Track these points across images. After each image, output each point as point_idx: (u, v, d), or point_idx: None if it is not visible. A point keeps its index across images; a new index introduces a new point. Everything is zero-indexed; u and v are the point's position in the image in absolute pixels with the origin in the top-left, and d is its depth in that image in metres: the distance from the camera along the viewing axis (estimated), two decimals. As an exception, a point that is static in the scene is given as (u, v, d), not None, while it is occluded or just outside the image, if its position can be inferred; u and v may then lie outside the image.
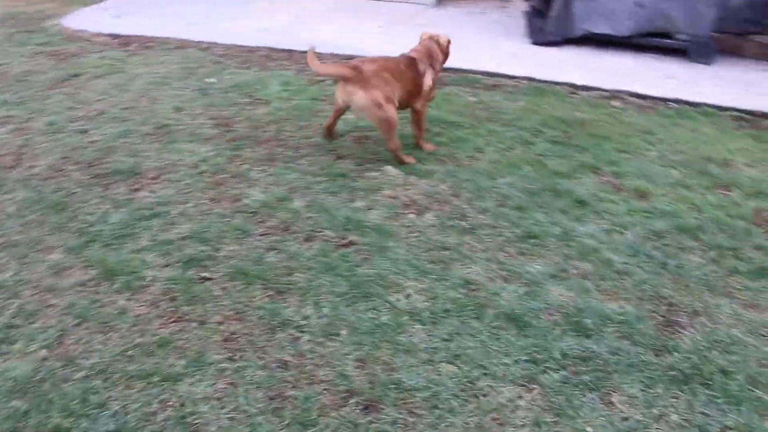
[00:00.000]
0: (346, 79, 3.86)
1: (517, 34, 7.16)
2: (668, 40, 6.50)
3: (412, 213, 3.51)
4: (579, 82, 5.53)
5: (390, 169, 3.97)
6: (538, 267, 3.08)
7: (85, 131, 4.63)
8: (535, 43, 6.78)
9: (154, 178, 3.91)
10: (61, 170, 4.04)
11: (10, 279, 2.98)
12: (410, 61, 4.10)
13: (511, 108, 5.04)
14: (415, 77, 4.05)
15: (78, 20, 8.29)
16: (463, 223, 3.43)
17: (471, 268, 3.06)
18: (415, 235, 3.31)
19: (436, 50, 4.23)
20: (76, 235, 3.33)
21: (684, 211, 3.63)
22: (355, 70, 3.84)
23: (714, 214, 3.60)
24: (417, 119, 4.19)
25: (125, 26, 7.77)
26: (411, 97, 4.05)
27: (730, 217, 3.59)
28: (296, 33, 7.15)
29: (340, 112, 4.10)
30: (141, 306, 2.82)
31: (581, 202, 3.66)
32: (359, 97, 3.80)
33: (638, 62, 6.25)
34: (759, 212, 3.66)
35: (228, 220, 3.43)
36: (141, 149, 4.31)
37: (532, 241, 3.28)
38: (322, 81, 5.61)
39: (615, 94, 5.35)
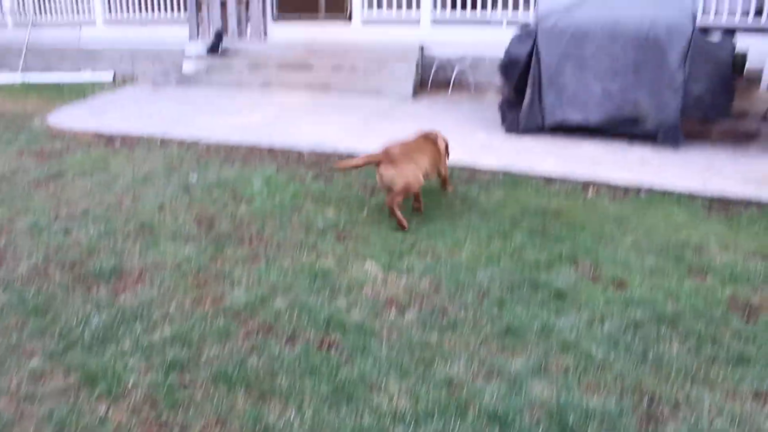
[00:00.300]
0: (379, 163, 4.59)
1: (492, 125, 7.38)
2: (637, 127, 6.74)
3: (393, 310, 3.54)
4: (554, 172, 5.68)
5: (371, 266, 4.02)
6: (520, 362, 3.10)
7: (68, 231, 4.67)
8: (509, 133, 6.99)
9: (136, 279, 3.93)
10: (43, 272, 4.05)
11: (-13, 388, 2.95)
12: (428, 136, 4.99)
13: (489, 200, 5.15)
14: (435, 148, 4.93)
15: (63, 118, 8.46)
16: (444, 319, 3.46)
17: (453, 365, 3.07)
18: (397, 333, 3.33)
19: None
20: (57, 339, 3.32)
21: (661, 299, 3.68)
22: (386, 154, 4.58)
23: (691, 302, 3.65)
24: (444, 180, 5.19)
25: (109, 124, 7.93)
26: (435, 164, 4.92)
27: (707, 303, 3.64)
28: (277, 130, 7.33)
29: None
30: (122, 413, 2.78)
31: (560, 294, 3.71)
32: (390, 174, 4.52)
33: (609, 149, 6.45)
34: (735, 298, 3.71)
35: (210, 322, 3.44)
36: (124, 249, 4.34)
37: (513, 336, 3.31)
38: (304, 177, 5.73)
39: (588, 183, 5.49)
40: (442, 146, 5.02)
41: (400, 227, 4.54)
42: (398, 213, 4.54)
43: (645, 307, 3.59)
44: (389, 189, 4.58)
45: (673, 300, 3.67)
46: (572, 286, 3.81)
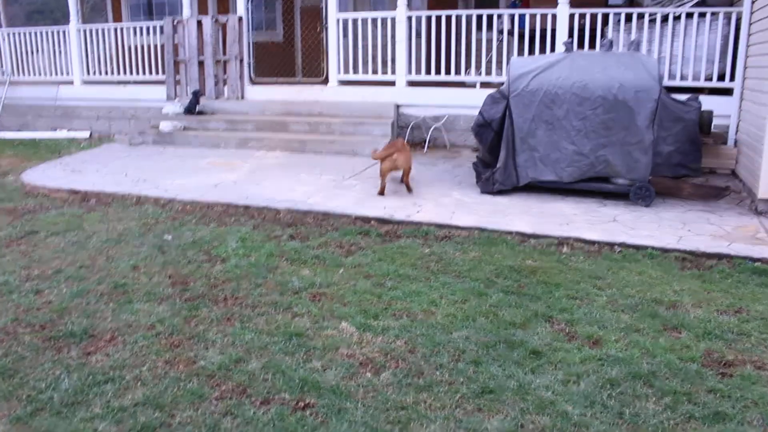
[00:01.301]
0: (393, 153, 7.00)
1: (467, 184, 7.48)
2: (609, 185, 6.88)
3: (368, 372, 3.51)
4: (528, 230, 5.74)
5: (346, 327, 3.99)
6: (496, 423, 3.07)
7: (39, 291, 4.61)
8: (484, 192, 7.09)
9: (108, 341, 3.87)
10: (12, 333, 3.97)
11: (-51, 457, 2.86)
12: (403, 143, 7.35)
13: (464, 259, 5.18)
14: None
15: (37, 176, 8.43)
16: (420, 380, 3.43)
17: (429, 427, 3.03)
18: (372, 394, 3.29)
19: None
20: (24, 403, 3.24)
21: (637, 357, 3.69)
22: (394, 147, 7.09)
23: (666, 358, 3.67)
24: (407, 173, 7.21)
25: (85, 182, 7.91)
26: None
27: (681, 360, 3.66)
28: (253, 188, 7.37)
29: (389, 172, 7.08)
30: (89, 482, 2.71)
31: (536, 353, 3.71)
32: (404, 158, 7.01)
33: (583, 207, 6.55)
34: (709, 353, 3.74)
35: (183, 384, 3.37)
36: (96, 310, 4.28)
37: (489, 395, 3.29)
38: (279, 236, 5.73)
39: (563, 241, 5.55)
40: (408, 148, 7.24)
41: (410, 191, 7.10)
42: (410, 184, 7.13)
43: (621, 365, 3.59)
44: (402, 168, 7.04)
45: (649, 357, 3.69)
46: (548, 344, 3.81)
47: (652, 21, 8.93)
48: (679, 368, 3.57)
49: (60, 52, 12.88)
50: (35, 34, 13.03)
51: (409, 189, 7.16)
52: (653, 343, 3.86)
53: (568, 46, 7.11)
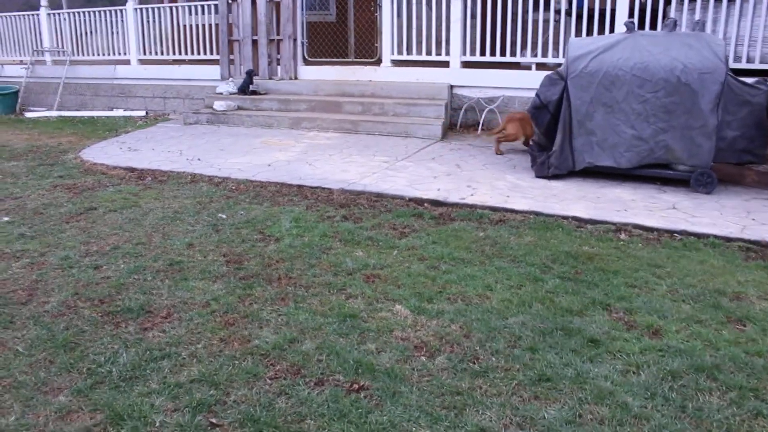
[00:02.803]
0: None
1: (521, 168, 7.36)
2: (669, 171, 6.67)
3: (423, 356, 3.48)
4: (585, 216, 5.61)
5: (400, 309, 3.97)
6: (553, 412, 3.01)
7: (97, 267, 4.70)
8: (539, 176, 6.95)
9: (165, 317, 3.92)
10: (72, 307, 4.06)
11: (12, 423, 2.92)
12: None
13: (519, 243, 5.09)
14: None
15: (96, 154, 8.62)
16: (476, 365, 3.38)
17: (485, 414, 2.99)
18: (427, 379, 3.26)
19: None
20: (85, 375, 3.30)
21: (699, 349, 3.57)
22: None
23: (730, 352, 3.54)
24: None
25: (141, 160, 8.04)
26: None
27: (747, 354, 3.52)
28: (306, 168, 7.38)
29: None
30: (148, 456, 2.75)
31: (594, 341, 3.62)
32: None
33: (641, 193, 6.37)
34: (776, 349, 3.60)
35: (238, 363, 3.40)
36: (152, 287, 4.34)
37: (546, 384, 3.22)
38: (333, 217, 5.73)
39: (621, 227, 5.41)
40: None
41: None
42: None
43: (682, 357, 3.48)
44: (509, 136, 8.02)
45: (712, 349, 3.57)
46: (606, 333, 3.72)
47: (718, 0, 8.59)
48: (745, 362, 3.44)
49: (117, 32, 13.11)
50: (94, 14, 13.27)
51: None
52: (716, 335, 3.72)
53: (630, 27, 6.88)
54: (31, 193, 6.77)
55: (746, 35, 8.44)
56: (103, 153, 8.67)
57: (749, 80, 6.58)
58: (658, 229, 5.36)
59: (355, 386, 3.19)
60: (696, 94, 6.34)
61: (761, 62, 8.40)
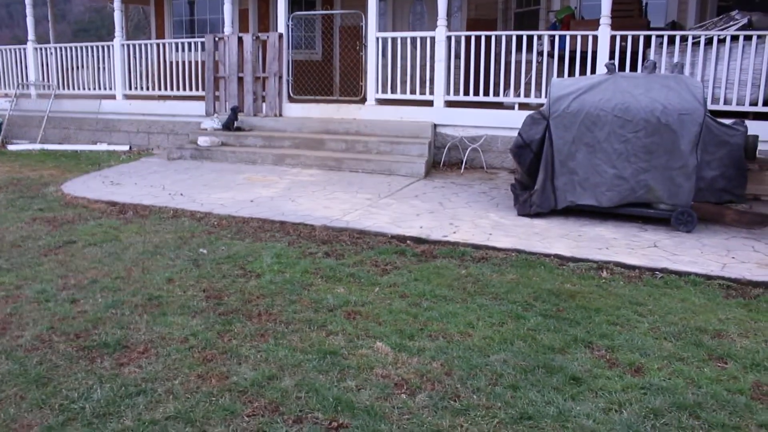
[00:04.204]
0: None
1: (504, 206, 7.39)
2: (650, 210, 6.73)
3: (404, 393, 3.43)
4: (567, 254, 5.63)
5: (381, 347, 3.92)
6: (536, 451, 2.97)
7: (75, 301, 4.62)
8: (522, 214, 6.98)
9: (142, 352, 3.85)
10: (47, 341, 3.98)
11: (-19, 464, 2.85)
12: None
13: (502, 281, 5.08)
14: None
15: (77, 187, 8.57)
16: (457, 403, 3.34)
17: (466, 452, 2.95)
18: (407, 417, 3.21)
19: None
20: (57, 412, 3.22)
21: (681, 386, 3.55)
22: None
23: (712, 389, 3.52)
24: None
25: (123, 194, 8.00)
26: None
27: (729, 392, 3.51)
28: (288, 204, 7.37)
29: None
30: (119, 496, 2.67)
31: (576, 379, 3.59)
32: None
33: (622, 232, 6.41)
34: (758, 386, 3.58)
35: (215, 399, 3.33)
36: (130, 321, 4.27)
37: (528, 422, 3.18)
38: (315, 253, 5.70)
39: (603, 265, 5.43)
40: None
41: None
42: None
43: (664, 395, 3.46)
44: None
45: (694, 387, 3.55)
46: (588, 371, 3.70)
47: (696, 44, 8.79)
48: (727, 400, 3.42)
49: (103, 67, 13.15)
50: (81, 49, 13.33)
51: None
52: (698, 372, 3.71)
53: (611, 68, 7.01)
54: (9, 225, 6.69)
55: (723, 78, 8.63)
56: (85, 186, 8.62)
57: (727, 121, 6.70)
58: (639, 267, 5.38)
59: (335, 424, 3.13)
60: (676, 135, 6.43)
61: (737, 104, 8.58)
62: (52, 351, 3.85)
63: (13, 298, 4.69)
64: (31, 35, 13.87)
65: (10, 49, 14.40)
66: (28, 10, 13.80)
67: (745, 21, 8.70)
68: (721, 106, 8.57)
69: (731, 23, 8.88)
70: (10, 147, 12.92)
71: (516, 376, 3.61)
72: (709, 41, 8.71)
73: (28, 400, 3.33)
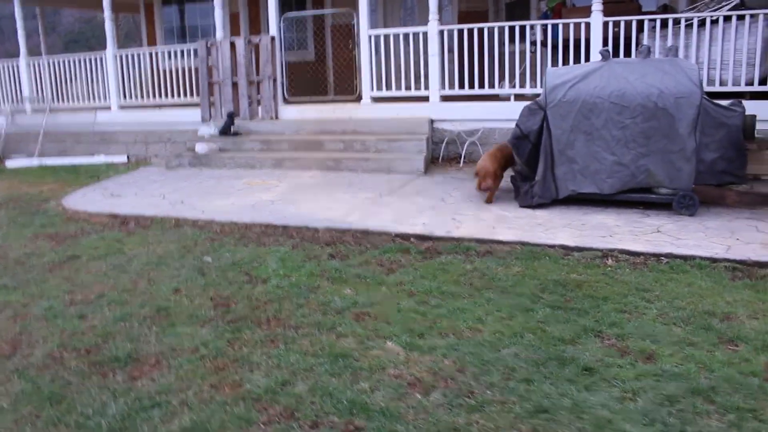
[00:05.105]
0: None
1: (505, 198, 7.38)
2: (652, 195, 6.73)
3: (418, 392, 3.43)
4: (571, 243, 5.62)
5: (392, 346, 3.93)
6: (553, 444, 2.98)
7: (83, 316, 4.63)
8: (523, 206, 6.98)
9: (153, 365, 3.85)
10: (58, 358, 3.98)
11: (0, 485, 2.85)
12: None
13: (508, 274, 5.09)
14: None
15: (78, 201, 8.55)
16: (471, 400, 3.34)
17: (483, 449, 2.95)
18: (423, 416, 3.21)
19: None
20: (73, 429, 3.23)
21: (694, 371, 3.56)
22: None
23: (725, 373, 3.53)
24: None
25: (124, 206, 7.99)
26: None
27: (742, 374, 3.51)
28: (289, 208, 7.36)
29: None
30: None
31: (588, 369, 3.60)
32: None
33: (625, 218, 6.41)
34: (771, 367, 3.60)
35: (230, 408, 3.33)
36: (140, 334, 4.28)
37: (544, 415, 3.19)
38: (319, 256, 5.70)
39: (607, 253, 5.43)
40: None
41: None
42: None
43: (678, 380, 3.47)
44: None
45: (706, 372, 3.55)
46: (600, 360, 3.70)
47: (689, 26, 8.78)
48: (740, 383, 3.43)
49: (97, 78, 13.13)
50: (74, 61, 13.30)
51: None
52: (710, 356, 3.72)
53: (605, 55, 7.00)
54: (12, 243, 6.69)
55: (718, 59, 8.61)
56: (85, 200, 8.61)
57: (724, 102, 6.69)
58: (644, 254, 5.38)
59: (351, 427, 3.14)
60: (673, 119, 6.43)
61: (734, 84, 8.56)
62: (63, 368, 3.86)
63: (21, 316, 4.69)
64: (23, 49, 13.84)
65: (2, 63, 14.36)
66: (19, 24, 13.75)
67: (737, 1, 8.68)
68: (717, 88, 8.56)
69: (723, 3, 8.86)
70: (8, 163, 12.90)
71: (528, 370, 3.61)
72: (702, 23, 8.69)
73: (44, 418, 3.33)
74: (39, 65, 13.81)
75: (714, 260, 5.18)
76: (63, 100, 13.63)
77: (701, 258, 5.22)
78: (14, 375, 3.79)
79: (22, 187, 10.10)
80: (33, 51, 14.54)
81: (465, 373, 3.61)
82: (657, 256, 5.35)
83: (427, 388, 3.47)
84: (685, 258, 5.26)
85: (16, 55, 14.02)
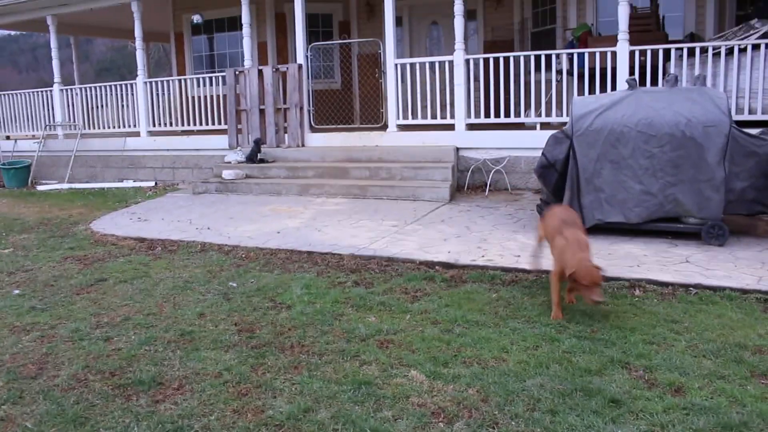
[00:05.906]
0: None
1: (531, 227, 7.34)
2: (680, 225, 6.64)
3: (441, 422, 3.39)
4: (598, 273, 5.56)
5: (416, 375, 3.89)
6: (579, 478, 2.91)
7: (108, 339, 4.66)
8: (550, 233, 6.93)
9: (177, 389, 3.85)
10: (83, 380, 4.00)
11: None
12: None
13: (533, 303, 5.04)
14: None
15: (106, 225, 8.68)
16: (495, 430, 3.29)
17: (508, 481, 2.90)
18: (447, 446, 3.18)
19: None
20: (96, 453, 3.24)
21: (725, 406, 3.47)
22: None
23: (758, 408, 3.44)
24: None
25: (151, 230, 8.08)
26: None
27: (774, 410, 3.43)
28: (314, 234, 7.39)
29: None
30: None
31: (615, 401, 3.53)
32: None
33: (653, 248, 6.33)
34: (805, 404, 3.50)
35: (252, 435, 3.33)
36: (164, 358, 4.29)
37: (569, 447, 3.14)
38: (343, 283, 5.70)
39: (635, 283, 5.36)
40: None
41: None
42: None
43: (708, 415, 3.38)
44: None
45: (738, 406, 3.47)
46: (627, 392, 3.63)
47: (716, 54, 8.73)
48: (773, 419, 3.34)
49: (127, 105, 13.40)
50: (105, 88, 13.59)
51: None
52: (741, 390, 3.63)
53: (632, 83, 6.98)
54: (41, 265, 6.79)
55: (746, 88, 8.54)
56: (113, 224, 8.73)
57: (754, 131, 6.62)
58: (672, 284, 5.30)
59: (373, 456, 3.11)
60: (702, 148, 6.37)
61: (763, 113, 8.47)
62: (88, 390, 3.87)
63: (48, 337, 4.73)
64: (57, 77, 14.19)
65: (37, 92, 14.74)
66: (54, 53, 14.14)
67: (765, 29, 8.63)
68: (746, 116, 8.48)
69: (751, 32, 8.81)
70: (39, 187, 13.16)
71: (554, 401, 3.55)
72: (729, 51, 8.65)
73: (68, 440, 3.35)
74: (72, 92, 14.14)
75: (745, 291, 5.09)
76: (94, 126, 13.92)
77: (731, 289, 5.13)
78: (39, 396, 3.82)
79: (52, 211, 10.28)
80: (66, 79, 14.92)
81: (489, 402, 3.57)
82: (686, 286, 5.26)
83: (450, 418, 3.42)
84: (714, 289, 5.17)
85: (51, 83, 14.36)
